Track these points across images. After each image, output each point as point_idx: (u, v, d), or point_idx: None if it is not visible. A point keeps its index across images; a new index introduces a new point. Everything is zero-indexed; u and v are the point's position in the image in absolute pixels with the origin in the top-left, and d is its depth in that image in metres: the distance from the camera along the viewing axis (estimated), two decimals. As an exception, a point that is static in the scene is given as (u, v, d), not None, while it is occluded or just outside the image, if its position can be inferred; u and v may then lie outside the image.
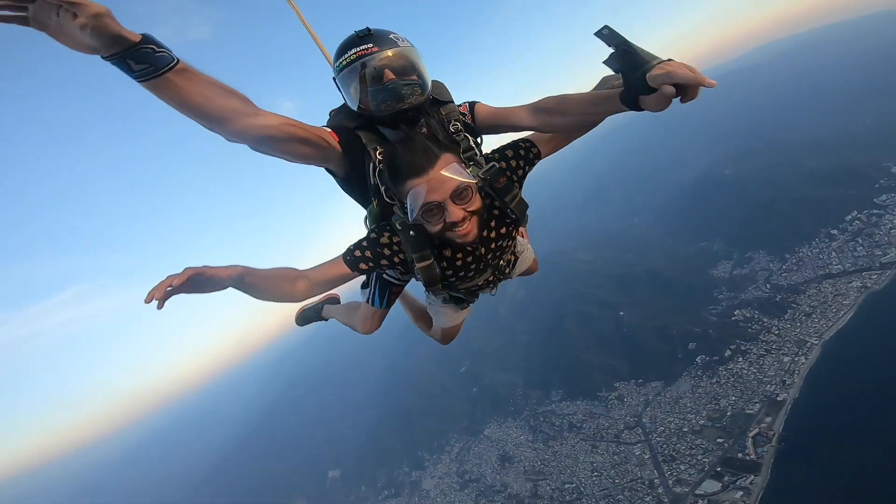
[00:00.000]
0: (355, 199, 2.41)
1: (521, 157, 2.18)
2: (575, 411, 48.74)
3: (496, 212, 2.19)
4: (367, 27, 2.05)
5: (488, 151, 2.25)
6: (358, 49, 1.99)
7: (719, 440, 33.52)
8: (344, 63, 2.01)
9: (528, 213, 2.26)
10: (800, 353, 37.53)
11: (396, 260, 2.05)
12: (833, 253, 45.79)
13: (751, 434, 32.02)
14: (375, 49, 1.98)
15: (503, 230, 2.25)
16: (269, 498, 72.52)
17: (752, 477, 29.40)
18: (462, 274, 2.26)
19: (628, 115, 1.88)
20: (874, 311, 37.05)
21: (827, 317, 39.56)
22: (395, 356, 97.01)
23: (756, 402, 35.09)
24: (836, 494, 25.75)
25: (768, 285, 48.05)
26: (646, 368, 47.53)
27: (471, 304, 2.97)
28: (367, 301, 2.92)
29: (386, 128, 2.13)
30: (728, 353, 42.14)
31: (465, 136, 2.16)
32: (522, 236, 3.04)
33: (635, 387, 46.49)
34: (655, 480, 34.06)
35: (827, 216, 50.04)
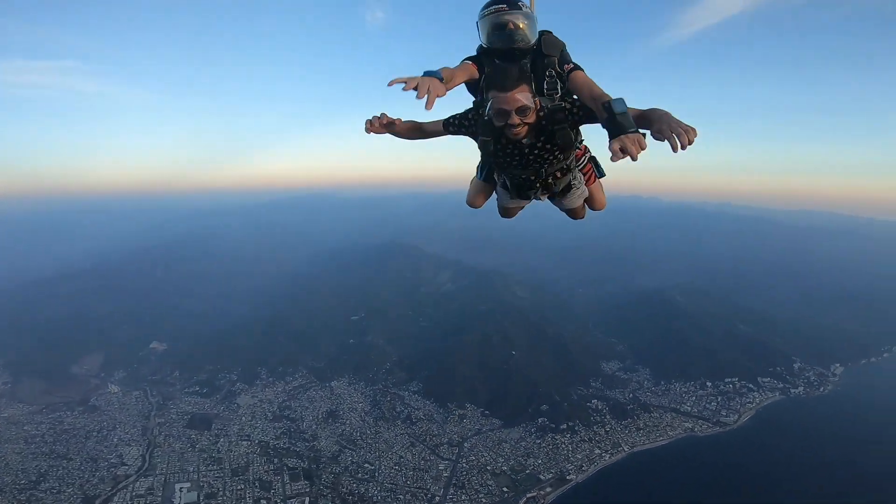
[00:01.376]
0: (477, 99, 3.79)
1: (580, 110, 3.30)
2: (420, 408, 52.47)
3: (547, 134, 3.43)
4: None
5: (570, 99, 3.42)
6: (497, 6, 3.39)
7: (504, 489, 38.06)
8: (485, 13, 3.42)
9: (588, 156, 4.17)
10: (608, 452, 43.40)
11: (470, 127, 3.62)
12: (693, 397, 52.91)
13: (528, 495, 36.68)
14: (505, 8, 3.37)
15: (548, 146, 3.50)
16: (83, 335, 67.60)
17: None
18: (507, 159, 3.66)
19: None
20: (685, 448, 43.89)
21: (649, 437, 45.74)
22: (312, 271, 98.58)
23: (551, 473, 40.13)
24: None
25: (632, 395, 54.43)
26: (498, 405, 52.09)
27: (522, 201, 4.37)
28: (475, 175, 4.42)
29: (500, 59, 3.49)
30: (564, 427, 47.31)
31: (553, 80, 3.41)
32: (588, 178, 4.37)
33: (480, 415, 50.86)
34: (437, 498, 37.91)
35: (714, 371, 57.43)
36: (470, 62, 3.52)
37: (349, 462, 43.20)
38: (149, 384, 56.22)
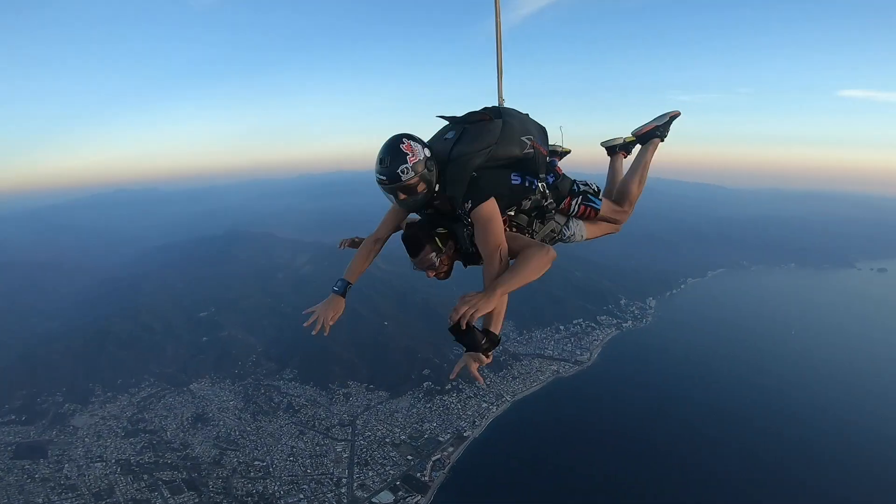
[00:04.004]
0: None
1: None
2: (300, 394, 52.20)
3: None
4: (389, 148, 3.08)
5: None
6: (378, 177, 3.13)
7: (409, 457, 41.59)
8: (376, 178, 3.16)
9: (577, 203, 3.82)
10: (494, 404, 50.01)
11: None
12: (552, 342, 63.20)
13: (433, 459, 41.04)
14: (385, 182, 3.10)
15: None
16: None
17: (419, 497, 37.24)
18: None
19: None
20: (555, 389, 53.05)
21: (525, 383, 53.90)
22: (137, 272, 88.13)
23: (448, 433, 45.00)
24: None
25: (502, 347, 62.30)
26: (381, 377, 54.79)
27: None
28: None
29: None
30: (449, 386, 52.40)
31: (465, 215, 3.25)
32: (586, 216, 4.03)
33: (365, 390, 52.94)
34: (343, 479, 39.44)
35: (563, 316, 68.87)
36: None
37: (236, 463, 41.67)
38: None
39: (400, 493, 37.53)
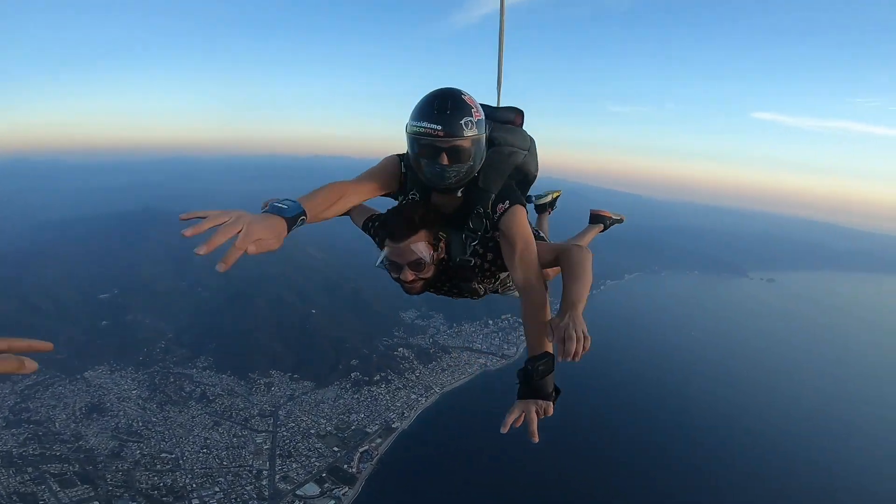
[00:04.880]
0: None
1: (492, 266, 2.71)
2: (216, 384, 49.56)
3: (452, 281, 2.83)
4: (448, 95, 2.35)
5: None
6: (428, 127, 2.30)
7: (335, 449, 41.20)
8: (412, 130, 2.36)
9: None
10: (424, 395, 50.91)
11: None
12: (481, 335, 65.41)
13: (360, 450, 41.01)
14: (440, 134, 2.29)
15: (455, 289, 2.92)
16: None
17: (347, 489, 37.09)
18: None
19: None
20: (482, 382, 54.95)
21: (453, 376, 55.38)
22: (24, 247, 77.15)
23: (376, 424, 45.16)
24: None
25: (432, 340, 63.62)
26: (306, 367, 53.49)
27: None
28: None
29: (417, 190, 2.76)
30: (378, 377, 52.56)
31: (479, 219, 2.63)
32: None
33: (288, 380, 51.42)
34: (264, 472, 38.24)
35: (492, 310, 70.95)
36: (397, 162, 2.80)
37: (138, 455, 38.86)
38: None
39: (326, 484, 37.17)
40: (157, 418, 43.90)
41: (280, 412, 46.49)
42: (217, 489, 36.20)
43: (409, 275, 2.56)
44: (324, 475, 38.17)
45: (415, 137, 2.39)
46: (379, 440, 42.68)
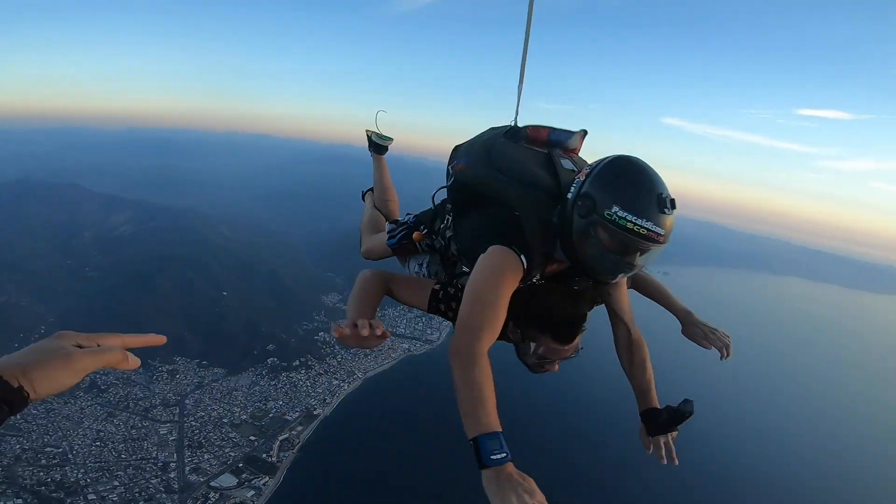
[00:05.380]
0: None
1: None
2: (108, 372, 44.80)
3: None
4: (665, 185, 1.94)
5: None
6: (654, 230, 1.86)
7: (252, 438, 39.39)
8: (632, 229, 1.85)
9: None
10: (346, 381, 50.14)
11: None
12: (405, 320, 65.29)
13: (280, 438, 39.58)
14: (662, 240, 1.90)
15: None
16: None
17: (267, 478, 35.60)
18: None
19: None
20: (406, 367, 54.98)
21: (377, 361, 54.95)
22: None
23: (297, 411, 43.83)
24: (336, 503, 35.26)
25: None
26: (216, 352, 50.48)
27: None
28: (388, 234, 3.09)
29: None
30: (297, 363, 50.96)
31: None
32: None
33: (196, 367, 48.28)
34: (172, 464, 35.70)
35: None
36: (517, 257, 2.10)
37: (18, 450, 34.87)
38: None
39: (244, 474, 35.56)
40: (37, 410, 39.11)
41: (187, 401, 43.61)
42: (116, 483, 33.41)
43: (557, 367, 2.34)
44: (240, 465, 36.48)
45: (631, 237, 1.88)
46: (300, 427, 41.48)
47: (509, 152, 2.37)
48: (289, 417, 42.78)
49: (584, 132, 2.54)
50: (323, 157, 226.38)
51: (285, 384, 47.89)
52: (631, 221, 1.85)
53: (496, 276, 2.04)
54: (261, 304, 61.06)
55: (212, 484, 34.39)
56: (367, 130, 4.39)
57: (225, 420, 41.60)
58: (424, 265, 2.99)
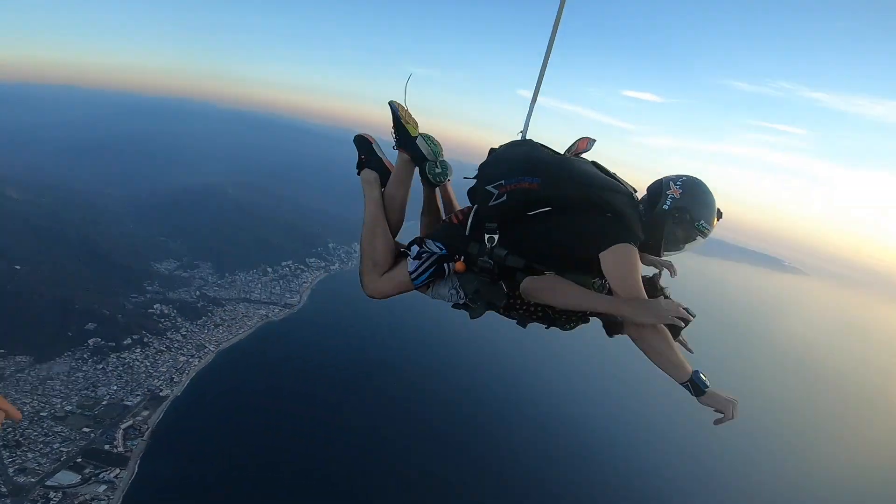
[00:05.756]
0: None
1: None
2: None
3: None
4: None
5: None
6: (711, 230, 2.73)
7: (85, 429, 34.34)
8: (706, 232, 2.70)
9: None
10: (196, 356, 46.13)
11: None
12: (259, 285, 61.68)
13: (123, 426, 35.11)
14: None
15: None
16: None
17: (118, 470, 31.89)
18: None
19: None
20: (266, 335, 52.32)
21: (230, 331, 51.37)
22: None
23: (138, 395, 39.23)
24: (201, 489, 32.73)
25: (198, 292, 57.11)
26: (18, 337, 42.31)
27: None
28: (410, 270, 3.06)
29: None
30: (129, 341, 45.17)
31: None
32: None
33: (-9, 356, 39.67)
34: (-15, 470, 29.66)
35: (270, 256, 67.76)
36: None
37: None
38: None
39: (87, 470, 31.45)
40: None
41: (-13, 397, 35.73)
42: None
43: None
44: (79, 460, 32.15)
45: (701, 237, 2.73)
46: (146, 412, 37.36)
47: (580, 166, 2.80)
48: (129, 403, 38.15)
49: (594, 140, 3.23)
50: (142, 111, 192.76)
51: (117, 366, 42.35)
52: (708, 230, 2.70)
53: (638, 267, 2.60)
54: (72, 278, 51.95)
55: (48, 483, 30.17)
56: (391, 104, 3.27)
57: (44, 413, 35.57)
58: (457, 287, 3.04)
